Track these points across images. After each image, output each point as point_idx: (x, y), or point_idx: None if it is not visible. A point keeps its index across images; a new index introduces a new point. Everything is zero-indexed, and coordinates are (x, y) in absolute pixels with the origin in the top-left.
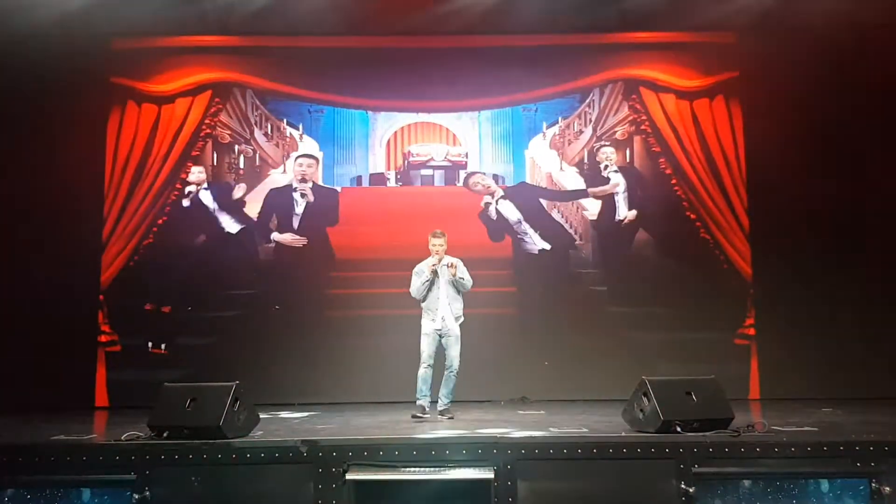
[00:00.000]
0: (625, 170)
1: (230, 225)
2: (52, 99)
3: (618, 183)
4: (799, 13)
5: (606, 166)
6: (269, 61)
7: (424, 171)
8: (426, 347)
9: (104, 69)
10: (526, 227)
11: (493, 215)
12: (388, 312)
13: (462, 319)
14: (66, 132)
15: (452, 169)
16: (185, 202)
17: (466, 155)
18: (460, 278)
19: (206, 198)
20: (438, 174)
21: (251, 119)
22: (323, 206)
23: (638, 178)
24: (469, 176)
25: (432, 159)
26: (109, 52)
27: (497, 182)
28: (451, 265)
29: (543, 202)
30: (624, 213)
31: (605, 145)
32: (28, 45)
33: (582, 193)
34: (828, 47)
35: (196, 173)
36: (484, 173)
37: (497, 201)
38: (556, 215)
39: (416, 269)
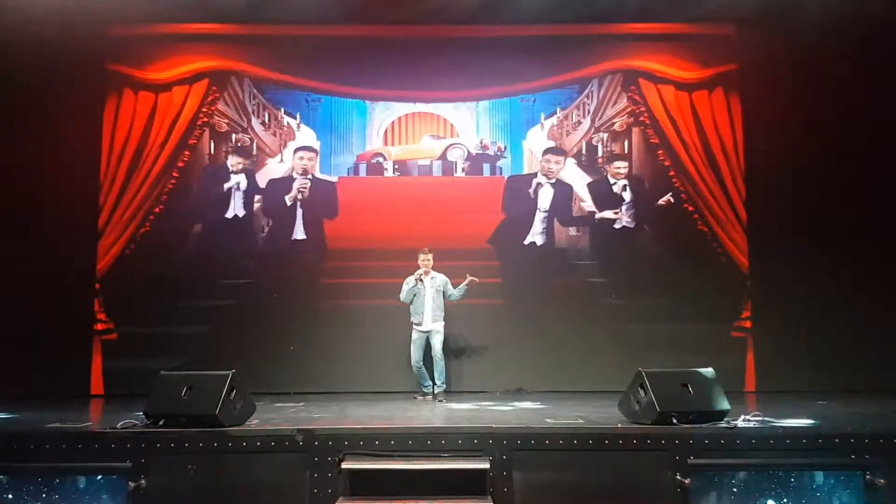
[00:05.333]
0: (631, 179)
1: (240, 208)
2: (47, 86)
3: (619, 212)
4: (799, 6)
5: (624, 186)
6: (267, 50)
7: (422, 162)
8: (414, 352)
9: (101, 56)
10: (540, 216)
11: (532, 194)
12: (383, 302)
13: (443, 322)
14: (61, 120)
15: (494, 157)
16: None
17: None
18: (461, 296)
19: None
20: (437, 165)
21: (248, 108)
22: (321, 199)
23: (643, 189)
24: (553, 150)
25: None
26: (106, 39)
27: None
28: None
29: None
30: (625, 222)
31: (617, 158)
32: (24, 31)
33: (589, 219)
34: (828, 40)
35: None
36: (564, 154)
37: (543, 185)
38: None
39: (405, 280)
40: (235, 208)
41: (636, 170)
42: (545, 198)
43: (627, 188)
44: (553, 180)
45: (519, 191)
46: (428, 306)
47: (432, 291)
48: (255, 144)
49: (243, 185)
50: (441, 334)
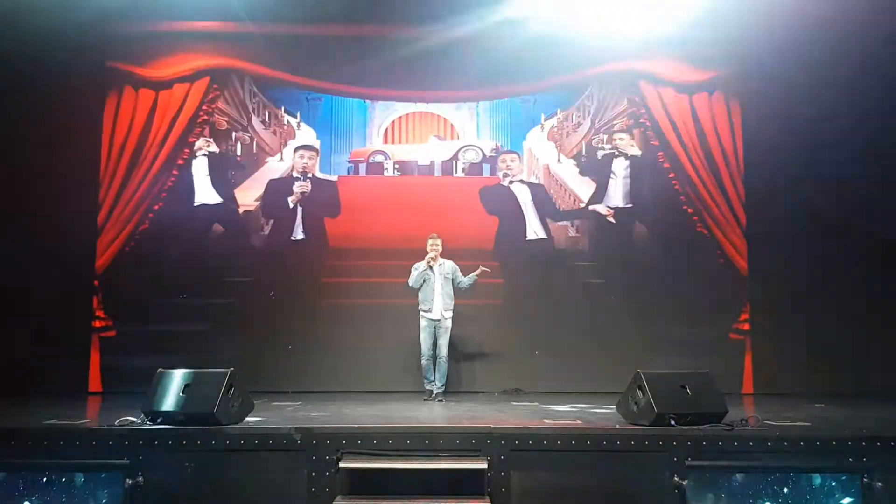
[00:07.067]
0: (631, 159)
1: (212, 196)
2: (48, 83)
3: (611, 211)
4: (800, 10)
5: (616, 154)
6: (268, 48)
7: (422, 162)
8: (425, 341)
9: (101, 54)
10: (531, 212)
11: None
12: (382, 301)
13: (452, 314)
14: (62, 117)
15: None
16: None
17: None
18: (471, 284)
19: (202, 164)
20: (437, 165)
21: (249, 106)
22: (321, 199)
23: (639, 165)
24: (504, 151)
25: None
26: (107, 37)
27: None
28: (483, 271)
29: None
30: (619, 200)
31: (618, 131)
32: (25, 28)
33: (582, 212)
34: (828, 44)
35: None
36: (519, 155)
37: (513, 182)
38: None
39: (414, 266)
40: (200, 196)
41: (636, 170)
42: (524, 193)
43: (617, 156)
44: (518, 178)
45: (500, 194)
46: (437, 294)
47: (441, 279)
48: (254, 143)
49: (204, 169)
50: (448, 332)
